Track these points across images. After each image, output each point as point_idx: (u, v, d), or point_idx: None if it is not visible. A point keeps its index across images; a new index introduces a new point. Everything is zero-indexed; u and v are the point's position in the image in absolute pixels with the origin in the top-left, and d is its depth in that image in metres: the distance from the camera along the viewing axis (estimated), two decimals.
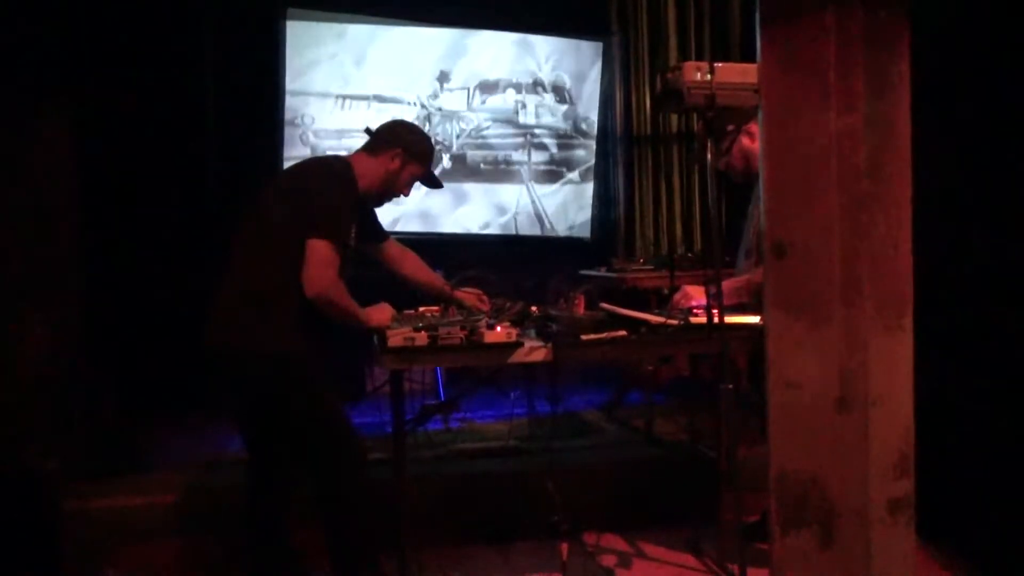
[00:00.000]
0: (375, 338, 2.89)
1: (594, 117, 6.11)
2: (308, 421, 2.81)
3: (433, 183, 3.24)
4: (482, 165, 5.92)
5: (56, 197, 3.93)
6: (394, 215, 5.43)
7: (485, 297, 3.26)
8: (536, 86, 5.97)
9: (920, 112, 1.84)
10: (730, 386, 2.92)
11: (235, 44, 5.27)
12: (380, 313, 2.90)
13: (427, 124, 5.65)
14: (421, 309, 3.18)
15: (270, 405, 2.81)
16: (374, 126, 3.17)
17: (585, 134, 6.13)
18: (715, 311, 2.90)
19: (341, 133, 5.49)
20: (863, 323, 1.80)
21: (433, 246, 4.77)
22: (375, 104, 5.58)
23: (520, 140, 5.99)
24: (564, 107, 6.06)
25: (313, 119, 5.47)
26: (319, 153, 5.33)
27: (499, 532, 3.61)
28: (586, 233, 6.18)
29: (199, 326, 2.81)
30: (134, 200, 4.99)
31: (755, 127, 3.28)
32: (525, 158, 6.02)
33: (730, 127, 3.24)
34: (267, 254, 2.79)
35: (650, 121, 6.04)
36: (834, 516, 1.83)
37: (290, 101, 5.39)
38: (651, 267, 5.02)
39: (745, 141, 3.35)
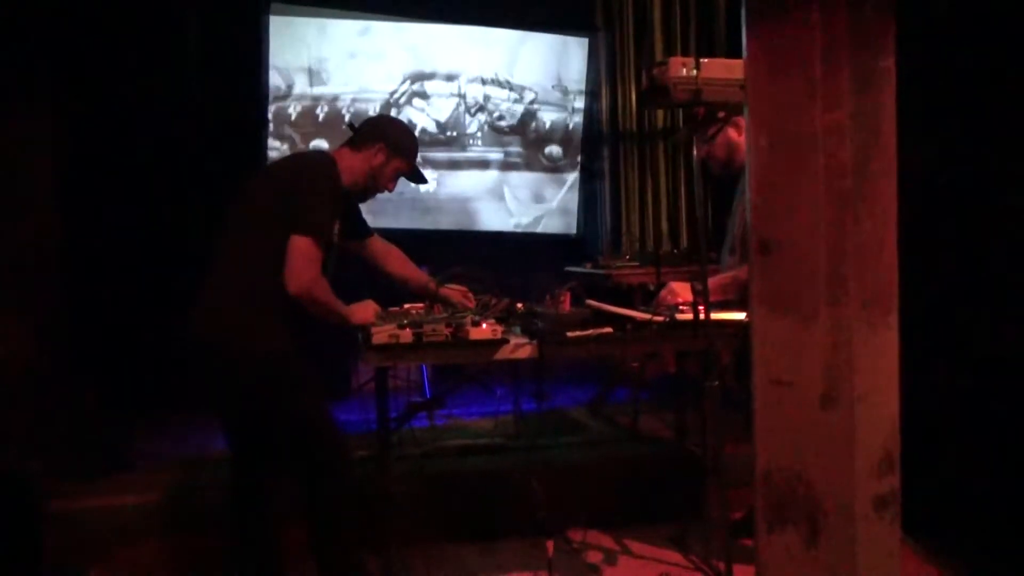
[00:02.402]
0: (360, 335, 2.88)
1: (579, 113, 6.10)
2: (292, 419, 2.79)
3: (418, 178, 3.23)
4: (465, 161, 5.91)
5: (36, 194, 3.90)
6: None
7: (470, 294, 3.25)
8: (522, 82, 5.96)
9: (906, 108, 1.84)
10: (716, 383, 2.92)
11: (218, 39, 5.24)
12: (364, 310, 2.89)
13: (410, 119, 5.62)
14: (406, 306, 3.16)
15: (253, 403, 2.79)
16: (358, 121, 3.15)
17: (570, 130, 6.11)
18: (701, 308, 2.90)
19: (325, 128, 5.46)
20: (849, 320, 1.80)
21: (417, 242, 4.76)
22: (359, 99, 5.56)
23: (505, 136, 5.97)
24: (549, 103, 6.05)
25: (297, 114, 5.45)
26: (302, 148, 5.31)
27: (485, 529, 3.60)
28: (572, 229, 6.18)
29: (182, 324, 2.79)
30: (116, 197, 4.95)
31: (743, 120, 3.27)
32: (512, 154, 6.00)
33: (721, 114, 3.24)
34: (250, 251, 2.77)
35: (635, 117, 6.04)
36: (820, 513, 1.83)
37: (273, 95, 5.36)
38: (637, 263, 5.02)
39: (732, 133, 3.34)
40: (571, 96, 6.09)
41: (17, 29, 3.84)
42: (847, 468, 1.81)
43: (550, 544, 2.96)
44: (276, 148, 5.36)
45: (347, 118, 5.36)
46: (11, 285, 3.77)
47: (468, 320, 2.78)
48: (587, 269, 5.18)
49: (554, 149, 6.11)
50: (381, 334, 2.69)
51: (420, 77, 5.73)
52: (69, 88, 4.33)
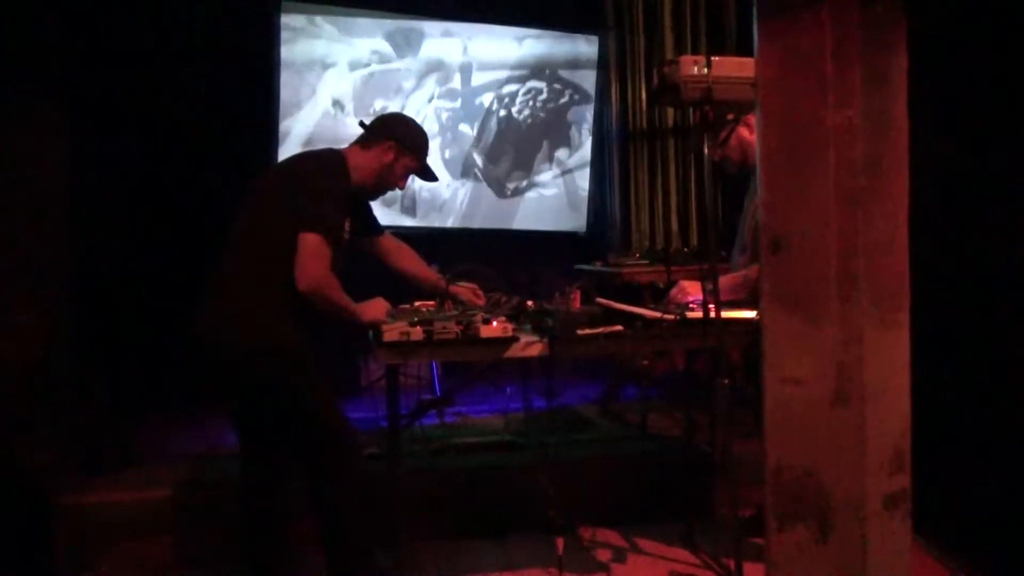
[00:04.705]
0: (371, 332, 2.88)
1: (590, 111, 6.09)
2: (302, 416, 2.80)
3: (428, 176, 3.23)
4: (479, 158, 5.91)
5: (48, 188, 3.91)
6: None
7: (480, 292, 3.26)
8: (531, 80, 5.96)
9: (917, 106, 1.84)
10: (725, 381, 2.92)
11: (229, 37, 5.25)
12: (374, 308, 2.89)
13: (421, 116, 5.62)
14: (416, 303, 3.17)
15: (263, 399, 2.80)
16: (368, 119, 3.15)
17: (581, 129, 6.11)
18: (711, 306, 2.89)
19: (334, 125, 5.47)
20: (859, 318, 1.80)
21: (428, 240, 4.76)
22: (368, 97, 5.56)
23: (515, 134, 5.97)
24: (559, 101, 6.04)
25: (307, 111, 5.45)
26: (314, 146, 5.31)
27: (495, 526, 3.61)
28: (581, 227, 6.17)
29: (193, 320, 2.80)
30: (127, 192, 4.97)
31: (754, 119, 3.27)
32: (519, 152, 6.00)
33: (729, 116, 3.24)
34: (260, 248, 2.79)
35: (646, 115, 6.03)
36: (830, 511, 1.83)
37: (284, 93, 5.37)
38: (647, 262, 5.02)
39: (744, 132, 3.34)
40: (581, 94, 6.08)
41: (28, 32, 3.86)
42: (858, 466, 1.81)
43: (560, 541, 2.96)
44: (287, 145, 5.36)
45: (358, 116, 5.37)
46: (22, 280, 3.78)
47: (478, 318, 2.78)
48: (597, 267, 5.18)
49: (564, 147, 6.10)
50: (392, 331, 2.69)
51: (428, 74, 5.73)
52: (80, 88, 4.34)
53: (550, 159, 6.08)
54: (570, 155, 6.12)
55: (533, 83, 5.97)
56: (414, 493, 3.31)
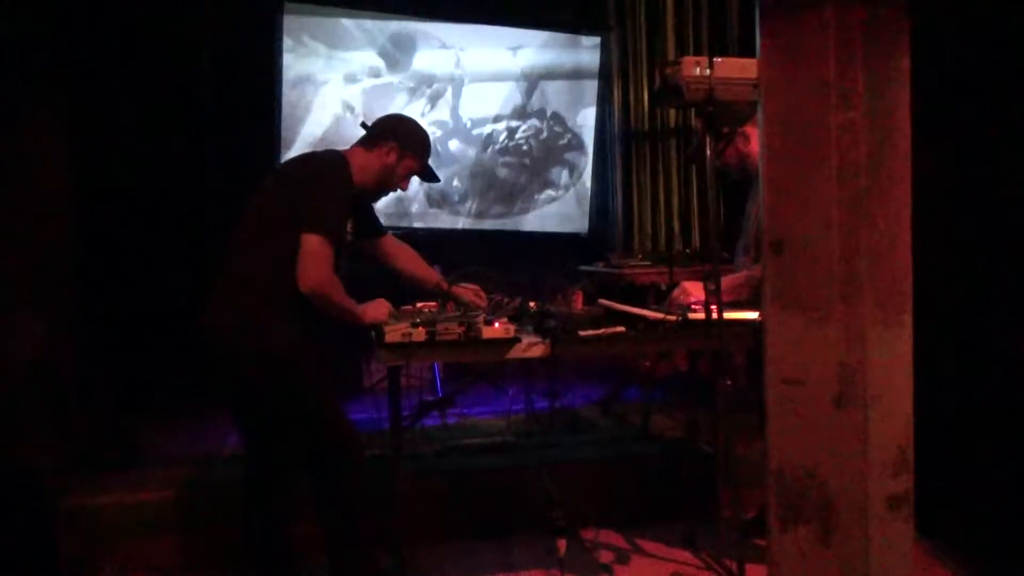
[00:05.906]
0: (373, 333, 2.88)
1: (592, 112, 6.09)
2: (304, 417, 2.80)
3: (430, 177, 3.23)
4: (483, 158, 5.91)
5: (51, 191, 3.92)
6: None
7: (483, 293, 3.25)
8: (534, 81, 5.96)
9: (920, 107, 1.84)
10: (728, 382, 2.92)
11: (232, 38, 5.26)
12: (376, 309, 2.89)
13: (423, 118, 5.62)
14: (418, 305, 3.17)
15: (266, 401, 2.80)
16: (370, 121, 3.16)
17: (583, 129, 6.11)
18: (713, 307, 2.89)
19: (337, 127, 5.47)
20: (862, 319, 1.80)
21: (430, 242, 4.77)
22: (368, 99, 5.57)
23: (517, 135, 5.97)
24: (562, 102, 6.04)
25: (310, 114, 5.46)
26: (316, 148, 5.31)
27: (496, 528, 3.61)
28: (584, 228, 6.17)
29: (195, 322, 2.80)
30: (130, 194, 4.97)
31: (749, 129, 3.28)
32: (521, 153, 6.00)
33: (725, 130, 3.24)
34: (262, 249, 2.78)
35: (648, 116, 6.03)
36: (832, 512, 1.83)
37: (287, 95, 5.37)
38: (649, 263, 5.02)
39: (739, 144, 3.34)
40: (583, 95, 6.08)
41: (27, 31, 3.86)
42: (860, 467, 1.81)
43: (562, 543, 2.96)
44: (290, 147, 5.37)
45: (359, 118, 5.38)
46: (28, 285, 3.79)
47: (480, 319, 2.79)
48: (599, 268, 5.18)
49: (566, 148, 6.10)
50: (394, 333, 2.69)
51: (430, 74, 5.74)
52: (82, 90, 4.35)
53: (551, 160, 6.08)
54: (571, 156, 6.11)
55: (535, 83, 5.97)
56: (416, 494, 3.31)
